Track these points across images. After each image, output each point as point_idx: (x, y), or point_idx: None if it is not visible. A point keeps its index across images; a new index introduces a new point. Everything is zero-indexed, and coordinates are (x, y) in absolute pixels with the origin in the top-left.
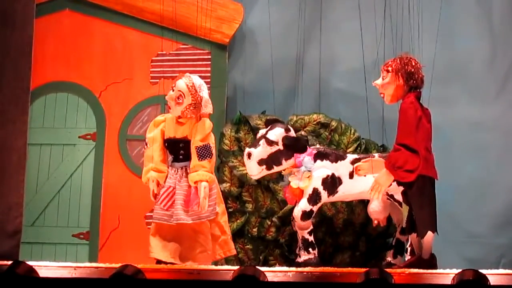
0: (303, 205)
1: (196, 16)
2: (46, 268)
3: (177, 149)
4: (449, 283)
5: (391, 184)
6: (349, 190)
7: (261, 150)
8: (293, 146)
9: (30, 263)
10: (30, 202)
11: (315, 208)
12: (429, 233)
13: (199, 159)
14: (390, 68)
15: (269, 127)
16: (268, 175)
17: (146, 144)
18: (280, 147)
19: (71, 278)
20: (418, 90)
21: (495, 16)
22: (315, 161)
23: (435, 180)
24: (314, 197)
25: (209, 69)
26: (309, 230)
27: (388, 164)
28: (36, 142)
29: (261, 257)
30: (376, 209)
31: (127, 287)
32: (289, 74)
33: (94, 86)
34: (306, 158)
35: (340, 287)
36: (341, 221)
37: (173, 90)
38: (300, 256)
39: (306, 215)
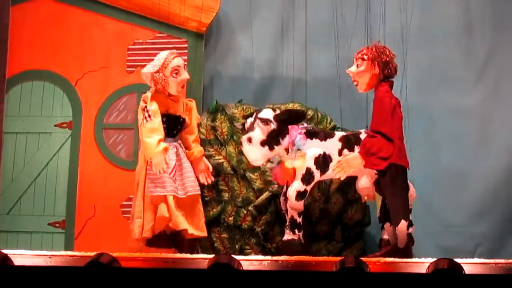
0: (297, 185)
1: (173, 5)
2: (21, 257)
3: (176, 125)
4: (424, 272)
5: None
6: None
7: (259, 131)
8: (288, 119)
9: (5, 251)
10: (5, 190)
11: (308, 188)
12: (403, 221)
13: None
14: (365, 57)
15: (254, 113)
16: (245, 164)
17: (150, 116)
18: (274, 126)
19: (46, 266)
20: (391, 79)
21: (473, 3)
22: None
23: (407, 169)
24: (308, 177)
25: (186, 57)
26: (299, 211)
27: (362, 149)
28: (12, 131)
29: (237, 246)
30: (366, 186)
31: (102, 275)
32: (265, 63)
33: (70, 74)
34: (297, 137)
35: (316, 275)
36: (317, 210)
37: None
38: (284, 235)
39: (300, 195)
